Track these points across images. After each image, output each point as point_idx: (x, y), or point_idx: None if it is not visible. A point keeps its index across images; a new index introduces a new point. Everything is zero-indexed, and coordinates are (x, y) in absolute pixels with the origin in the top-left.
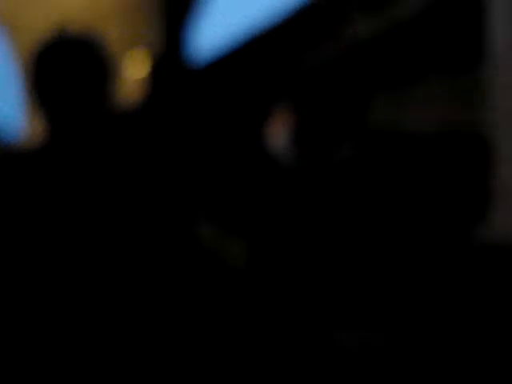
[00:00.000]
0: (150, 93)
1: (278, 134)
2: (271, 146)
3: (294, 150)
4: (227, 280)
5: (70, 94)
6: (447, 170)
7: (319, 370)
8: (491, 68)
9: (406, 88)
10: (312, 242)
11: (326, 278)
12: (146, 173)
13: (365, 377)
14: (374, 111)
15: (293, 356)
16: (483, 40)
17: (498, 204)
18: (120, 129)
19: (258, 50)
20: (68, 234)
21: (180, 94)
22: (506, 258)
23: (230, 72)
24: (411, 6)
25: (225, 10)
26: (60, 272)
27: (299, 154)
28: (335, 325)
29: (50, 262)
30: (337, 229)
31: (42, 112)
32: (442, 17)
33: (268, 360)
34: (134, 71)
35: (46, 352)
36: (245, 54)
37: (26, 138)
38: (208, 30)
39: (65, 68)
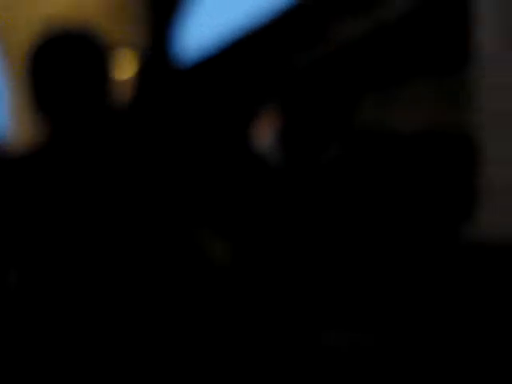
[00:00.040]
0: (137, 93)
1: (265, 134)
2: (258, 147)
3: (281, 150)
4: (214, 279)
5: (70, 91)
6: (434, 170)
7: (308, 370)
8: (477, 69)
9: (393, 89)
10: (299, 241)
11: (314, 277)
12: (145, 172)
13: (354, 377)
14: (362, 112)
15: (281, 356)
16: (469, 41)
17: (483, 203)
18: (121, 127)
19: (244, 51)
20: (70, 234)
21: (166, 95)
22: (492, 257)
23: (216, 72)
24: (398, 8)
25: (212, 10)
26: (62, 273)
27: (286, 155)
28: (324, 325)
29: (52, 264)
30: (324, 228)
31: (39, 111)
32: (429, 18)
33: (256, 360)
34: (120, 72)
35: (44, 351)
36: (231, 55)
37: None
38: (195, 29)
39: (64, 64)
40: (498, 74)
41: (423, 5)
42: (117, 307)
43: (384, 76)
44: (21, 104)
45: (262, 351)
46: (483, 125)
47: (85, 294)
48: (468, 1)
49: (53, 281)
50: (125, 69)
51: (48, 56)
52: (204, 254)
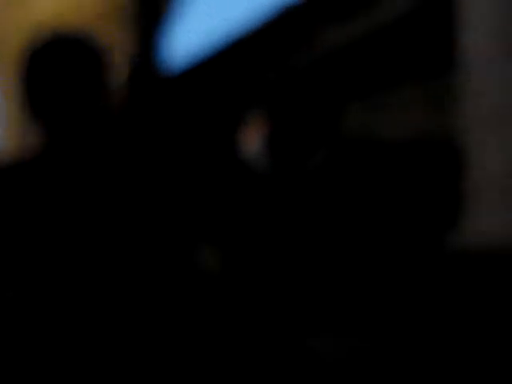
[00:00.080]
0: (126, 100)
1: (252, 140)
2: (245, 153)
3: (268, 156)
4: (205, 286)
5: (64, 96)
6: (420, 176)
7: (300, 376)
8: (462, 74)
9: (380, 94)
10: (287, 246)
11: (303, 283)
12: (138, 177)
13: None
14: (348, 117)
15: (273, 361)
16: (454, 46)
17: (469, 210)
18: (116, 132)
19: (231, 57)
20: (66, 241)
21: (154, 101)
22: (477, 264)
23: (203, 79)
24: (384, 14)
25: (200, 17)
26: (58, 280)
27: (273, 161)
28: (317, 331)
29: (48, 269)
30: (311, 234)
31: (34, 117)
32: (415, 24)
33: (249, 365)
34: (114, 76)
35: (42, 353)
36: (219, 61)
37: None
38: (183, 37)
39: (59, 68)
40: (484, 79)
41: (409, 11)
42: (112, 311)
43: (370, 82)
44: (12, 111)
45: (254, 357)
46: (468, 129)
47: (80, 299)
48: (453, 6)
49: (49, 286)
50: (116, 74)
51: (42, 61)
52: (195, 262)
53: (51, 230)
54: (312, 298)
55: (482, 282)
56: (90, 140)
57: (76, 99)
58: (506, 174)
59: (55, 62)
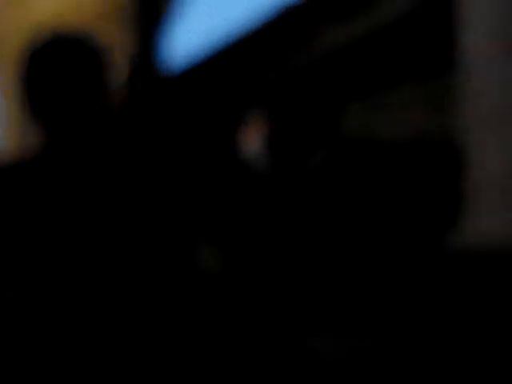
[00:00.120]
0: (126, 100)
1: (252, 140)
2: (245, 153)
3: (268, 156)
4: (205, 286)
5: (65, 96)
6: (420, 176)
7: (298, 377)
8: (462, 74)
9: (380, 94)
10: (287, 247)
11: (302, 283)
12: (139, 177)
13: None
14: (348, 117)
15: (271, 362)
16: (454, 46)
17: (469, 210)
18: (117, 132)
19: (231, 58)
20: (67, 241)
21: (154, 101)
22: (477, 264)
23: (203, 79)
24: (384, 14)
25: (200, 17)
26: (60, 280)
27: (273, 161)
28: (317, 331)
29: (49, 270)
30: (311, 235)
31: (34, 117)
32: (415, 24)
33: (247, 365)
34: (114, 76)
35: (42, 353)
36: (218, 62)
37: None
38: (183, 37)
39: (59, 68)
40: (484, 79)
41: (409, 11)
42: (112, 311)
43: (370, 82)
44: (12, 111)
45: (254, 357)
46: (468, 129)
47: (81, 298)
48: (453, 6)
49: (48, 286)
50: (116, 74)
51: (42, 61)
52: (195, 262)
53: (51, 230)
54: (312, 297)
55: (482, 282)
56: (89, 140)
57: (76, 99)
58: (506, 174)
59: (55, 62)
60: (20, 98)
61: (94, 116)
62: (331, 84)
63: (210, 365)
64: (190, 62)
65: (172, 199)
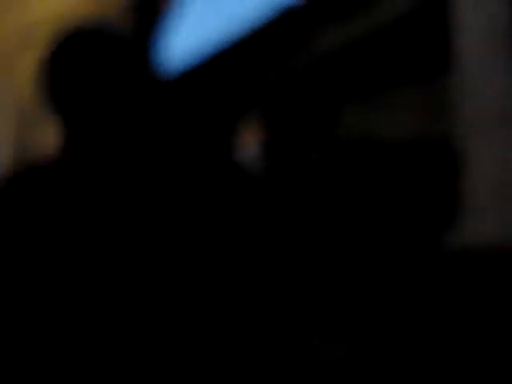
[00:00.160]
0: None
1: (248, 144)
2: (241, 156)
3: (264, 160)
4: (205, 286)
5: (93, 90)
6: (418, 178)
7: (298, 377)
8: (460, 75)
9: (378, 96)
10: (284, 249)
11: (302, 284)
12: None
13: None
14: (346, 119)
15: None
16: (451, 47)
17: (467, 211)
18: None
19: (227, 61)
20: (90, 244)
21: (151, 105)
22: (475, 264)
23: (200, 81)
24: (381, 15)
25: (196, 20)
26: (77, 286)
27: (269, 165)
28: (319, 337)
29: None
30: (307, 237)
31: (58, 116)
32: (413, 25)
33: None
34: None
35: (46, 353)
36: (215, 64)
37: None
38: (180, 39)
39: (86, 62)
40: (482, 80)
41: (407, 13)
42: (123, 313)
43: (368, 83)
44: (8, 116)
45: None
46: (467, 131)
47: (98, 303)
48: (449, 7)
49: (68, 291)
50: None
51: (68, 54)
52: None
53: (74, 235)
54: (312, 298)
55: (481, 282)
56: (116, 141)
57: (102, 94)
58: (504, 174)
59: (79, 56)
60: (42, 95)
61: (121, 113)
62: (328, 86)
63: (211, 365)
64: (187, 64)
65: (171, 202)
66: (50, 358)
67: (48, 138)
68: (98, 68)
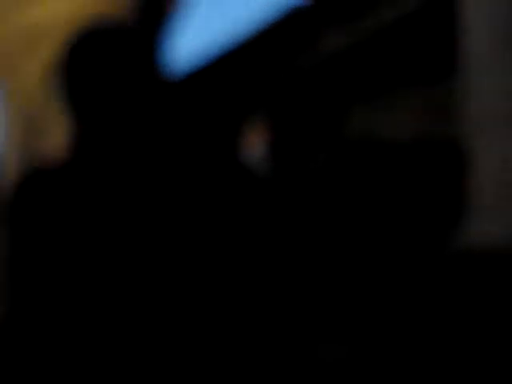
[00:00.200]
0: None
1: (254, 144)
2: (247, 157)
3: (270, 160)
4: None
5: (110, 88)
6: (423, 178)
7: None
8: (464, 77)
9: (382, 98)
10: (288, 251)
11: (305, 286)
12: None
13: None
14: (351, 120)
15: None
16: (456, 50)
17: (473, 211)
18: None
19: (233, 62)
20: (114, 244)
21: (157, 106)
22: (481, 265)
23: (206, 83)
24: (386, 18)
25: (201, 23)
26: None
27: (275, 165)
28: (321, 338)
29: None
30: (313, 238)
31: (73, 114)
32: (417, 27)
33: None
34: None
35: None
36: (221, 66)
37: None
38: (185, 40)
39: (102, 60)
40: (485, 82)
41: (410, 15)
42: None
43: (374, 84)
44: (13, 119)
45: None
46: (472, 132)
47: (121, 306)
48: (455, 9)
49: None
50: None
51: (84, 53)
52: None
53: (87, 236)
54: (314, 300)
55: (486, 282)
56: (129, 140)
57: (119, 92)
58: (510, 174)
59: (96, 55)
60: (57, 94)
61: (136, 112)
62: (333, 88)
63: (210, 364)
64: (192, 66)
65: (176, 202)
66: (50, 353)
67: (55, 143)
68: (115, 67)
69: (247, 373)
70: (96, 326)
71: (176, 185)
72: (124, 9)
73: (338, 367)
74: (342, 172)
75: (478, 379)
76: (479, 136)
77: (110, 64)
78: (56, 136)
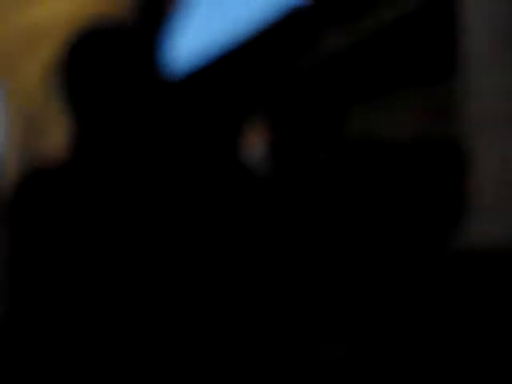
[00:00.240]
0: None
1: (254, 144)
2: (247, 157)
3: (270, 160)
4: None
5: (111, 88)
6: (423, 178)
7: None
8: (464, 77)
9: (382, 98)
10: (288, 251)
11: (305, 286)
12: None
13: None
14: (351, 120)
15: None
16: (456, 50)
17: (473, 211)
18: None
19: (233, 62)
20: (116, 244)
21: (157, 106)
22: (481, 265)
23: (206, 83)
24: (386, 18)
25: (201, 23)
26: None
27: (275, 165)
28: (320, 337)
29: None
30: (313, 239)
31: (74, 114)
32: (417, 28)
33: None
34: None
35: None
36: (221, 66)
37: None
38: (185, 40)
39: (103, 59)
40: (485, 82)
41: (410, 15)
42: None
43: (374, 85)
44: (13, 119)
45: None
46: (472, 132)
47: (121, 307)
48: (455, 10)
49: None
50: None
51: (85, 53)
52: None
53: (98, 231)
54: (314, 300)
55: (486, 282)
56: (129, 140)
57: (120, 92)
58: (508, 175)
59: (97, 54)
60: (57, 94)
61: (137, 111)
62: (334, 86)
63: (211, 364)
64: (192, 66)
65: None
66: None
67: (55, 143)
68: (115, 67)
69: (247, 373)
70: (96, 325)
71: (176, 185)
72: (124, 9)
73: (338, 367)
74: (342, 172)
75: (478, 379)
76: (479, 136)
77: (110, 64)
78: (56, 136)
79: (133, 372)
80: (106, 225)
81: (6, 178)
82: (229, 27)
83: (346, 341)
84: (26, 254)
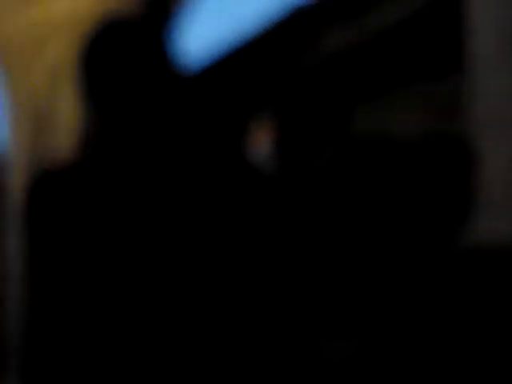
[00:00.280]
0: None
1: (261, 142)
2: (253, 155)
3: (276, 158)
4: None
5: (129, 82)
6: (431, 176)
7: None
8: (471, 77)
9: (388, 97)
10: (293, 249)
11: (309, 284)
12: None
13: None
14: (356, 119)
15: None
16: (462, 49)
17: (481, 208)
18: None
19: (239, 60)
20: (136, 237)
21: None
22: (489, 262)
23: (212, 81)
24: (389, 16)
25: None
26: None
27: (281, 163)
28: (325, 335)
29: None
30: (318, 237)
31: (93, 106)
32: (422, 27)
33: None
34: None
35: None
36: (227, 65)
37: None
38: (191, 39)
39: (122, 54)
40: (492, 82)
41: (416, 14)
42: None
43: (379, 84)
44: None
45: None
46: (479, 131)
47: (141, 297)
48: (462, 9)
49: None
50: None
51: (104, 47)
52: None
53: (120, 226)
54: (318, 299)
55: (494, 279)
56: (152, 131)
57: (139, 85)
58: None
59: (116, 48)
60: (79, 89)
61: (154, 104)
62: (339, 87)
63: (211, 363)
64: (198, 63)
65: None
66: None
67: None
68: (133, 60)
69: (252, 371)
70: (106, 323)
71: (184, 182)
72: (131, 5)
73: (345, 366)
74: (348, 170)
75: (488, 376)
76: (486, 137)
77: (128, 57)
78: (63, 135)
79: (136, 368)
80: (119, 221)
81: (14, 176)
82: (235, 25)
83: (353, 337)
84: (45, 254)
